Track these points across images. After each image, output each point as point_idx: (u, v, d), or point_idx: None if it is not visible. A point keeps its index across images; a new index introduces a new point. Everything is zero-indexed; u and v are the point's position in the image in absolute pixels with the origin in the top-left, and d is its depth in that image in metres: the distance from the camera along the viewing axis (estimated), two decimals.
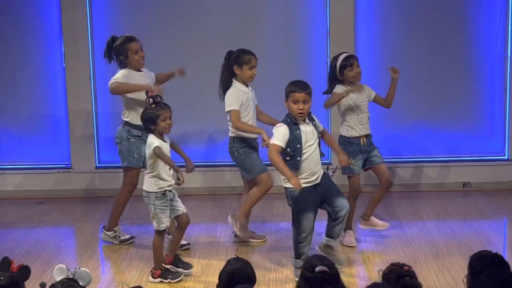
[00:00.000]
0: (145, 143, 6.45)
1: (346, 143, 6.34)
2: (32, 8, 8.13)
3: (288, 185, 5.59)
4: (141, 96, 6.35)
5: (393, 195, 7.74)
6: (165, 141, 5.75)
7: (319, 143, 5.74)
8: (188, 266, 5.88)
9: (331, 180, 5.81)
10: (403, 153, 8.24)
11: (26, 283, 3.97)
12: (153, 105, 5.72)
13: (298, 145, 5.58)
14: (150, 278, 5.81)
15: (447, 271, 5.78)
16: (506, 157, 8.22)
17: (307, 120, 5.69)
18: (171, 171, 5.72)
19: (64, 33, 8.08)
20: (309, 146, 5.63)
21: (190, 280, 5.78)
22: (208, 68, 7.90)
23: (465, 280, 4.07)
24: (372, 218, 6.59)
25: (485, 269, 3.83)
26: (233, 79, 6.36)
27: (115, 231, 6.66)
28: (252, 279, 4.08)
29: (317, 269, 3.80)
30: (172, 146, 5.85)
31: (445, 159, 8.24)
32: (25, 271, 3.99)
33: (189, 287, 5.69)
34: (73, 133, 8.21)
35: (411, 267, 3.92)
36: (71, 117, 8.19)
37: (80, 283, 3.77)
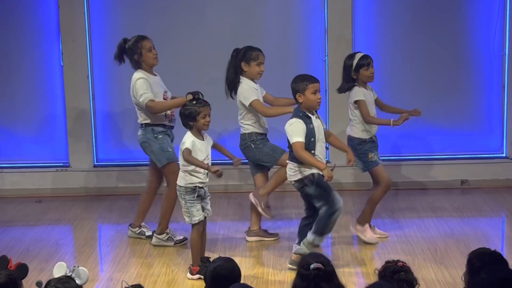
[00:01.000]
0: (171, 134, 6.46)
1: (361, 142, 6.33)
2: (29, 6, 8.12)
3: (306, 173, 5.61)
4: (160, 99, 6.36)
5: (391, 192, 7.71)
6: (202, 139, 5.68)
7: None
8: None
9: None
10: (401, 150, 8.24)
11: (24, 281, 3.98)
12: (194, 102, 5.69)
13: (312, 139, 5.60)
14: (188, 275, 5.74)
15: (445, 269, 5.77)
16: (504, 155, 8.22)
17: (316, 114, 5.71)
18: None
19: (62, 31, 8.07)
20: (321, 139, 5.67)
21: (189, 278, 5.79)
22: (208, 66, 7.90)
23: (463, 278, 4.07)
24: (367, 227, 6.49)
25: (484, 266, 3.83)
26: (241, 76, 6.35)
27: (167, 233, 6.52)
28: (236, 271, 4.10)
29: (312, 266, 3.80)
30: (215, 147, 5.81)
31: (443, 156, 8.24)
32: (22, 270, 3.99)
33: (188, 284, 5.69)
34: (71, 131, 8.21)
35: (405, 263, 3.93)
36: (69, 115, 8.18)
37: (77, 282, 3.78)
